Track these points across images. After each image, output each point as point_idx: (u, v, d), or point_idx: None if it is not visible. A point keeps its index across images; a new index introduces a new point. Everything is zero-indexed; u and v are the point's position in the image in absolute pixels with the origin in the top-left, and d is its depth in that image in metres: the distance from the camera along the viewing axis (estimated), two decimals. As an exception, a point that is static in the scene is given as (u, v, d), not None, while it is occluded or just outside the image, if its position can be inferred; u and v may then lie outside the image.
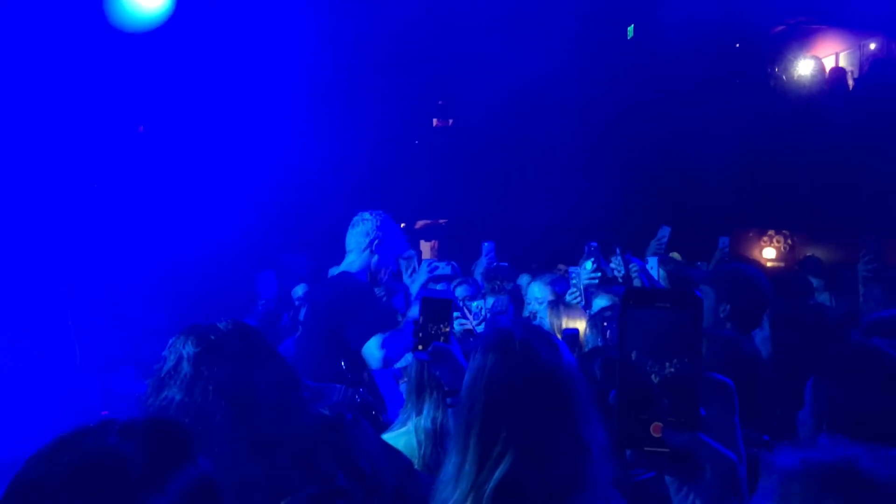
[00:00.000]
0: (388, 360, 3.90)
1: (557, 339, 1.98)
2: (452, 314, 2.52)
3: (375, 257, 4.29)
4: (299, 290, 6.79)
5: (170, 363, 1.95)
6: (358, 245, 4.31)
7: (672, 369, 1.01)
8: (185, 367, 1.91)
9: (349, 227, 4.40)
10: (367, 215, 4.36)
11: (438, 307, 2.51)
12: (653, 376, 1.01)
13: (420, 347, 2.49)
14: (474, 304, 4.43)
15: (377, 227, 4.30)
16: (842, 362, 1.73)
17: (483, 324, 4.12)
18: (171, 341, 2.01)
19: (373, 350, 3.89)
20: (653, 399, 1.01)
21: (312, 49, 8.32)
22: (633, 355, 1.02)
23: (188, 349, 1.94)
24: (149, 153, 6.78)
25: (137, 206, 6.53)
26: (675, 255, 6.14)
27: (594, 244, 4.94)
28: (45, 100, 5.86)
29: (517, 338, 1.90)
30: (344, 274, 4.29)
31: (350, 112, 9.47)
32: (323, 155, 8.97)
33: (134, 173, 6.50)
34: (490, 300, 4.79)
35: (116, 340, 5.78)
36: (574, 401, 1.83)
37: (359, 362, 3.94)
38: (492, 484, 1.77)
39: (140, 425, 1.31)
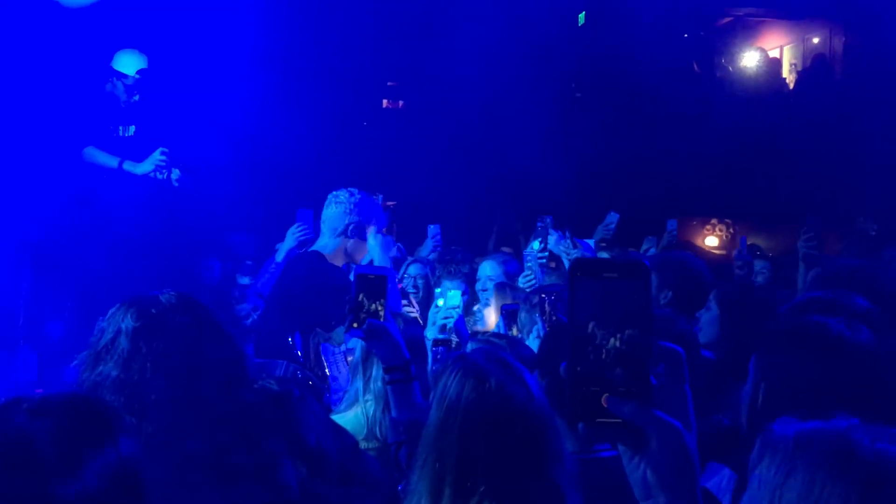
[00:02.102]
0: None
1: (526, 372, 1.93)
2: (388, 290, 2.46)
3: (350, 241, 4.10)
4: (245, 280, 6.69)
5: (107, 336, 1.86)
6: (332, 228, 4.12)
7: (622, 339, 0.99)
8: (123, 342, 1.83)
9: (325, 205, 4.19)
10: (341, 196, 4.15)
11: (374, 283, 2.45)
12: (603, 346, 0.99)
13: (355, 325, 2.43)
14: (437, 291, 4.38)
15: (351, 209, 4.10)
16: (779, 336, 1.75)
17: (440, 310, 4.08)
18: (110, 312, 1.91)
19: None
20: (603, 370, 0.99)
21: (258, 24, 8.16)
22: (583, 326, 1.00)
23: (127, 323, 1.85)
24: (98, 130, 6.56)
25: (96, 193, 6.33)
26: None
27: (548, 218, 4.95)
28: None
29: (492, 377, 1.85)
30: (315, 254, 4.10)
31: (297, 91, 9.32)
32: (269, 134, 8.81)
33: (58, 147, 6.28)
34: (446, 284, 4.73)
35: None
36: (547, 442, 1.81)
37: (308, 341, 3.87)
38: None
39: (53, 403, 1.20)
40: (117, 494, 1.18)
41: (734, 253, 6.33)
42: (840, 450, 1.07)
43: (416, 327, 3.18)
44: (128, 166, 6.10)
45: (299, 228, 4.86)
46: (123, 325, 1.85)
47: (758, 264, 6.34)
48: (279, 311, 4.06)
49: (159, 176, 6.06)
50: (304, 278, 3.99)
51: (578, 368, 1.00)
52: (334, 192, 4.21)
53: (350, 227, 4.09)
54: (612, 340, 0.99)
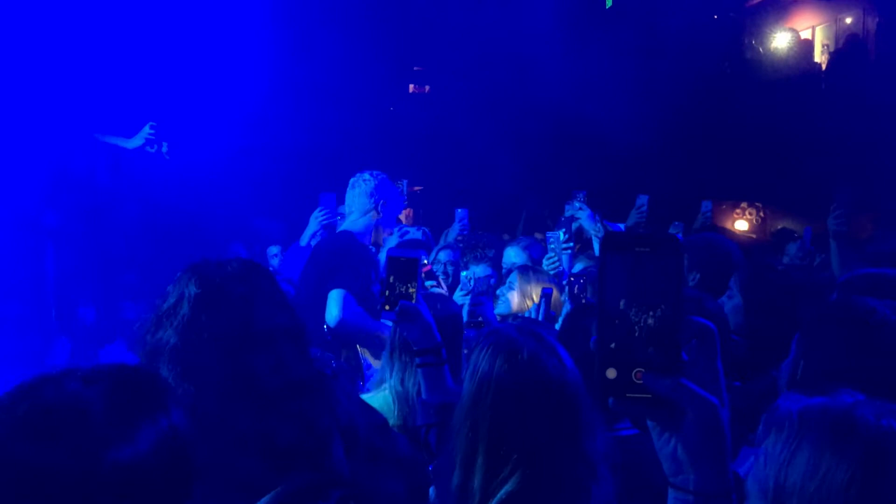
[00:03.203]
0: (344, 323, 3.80)
1: (558, 345, 1.93)
2: (420, 273, 2.47)
3: (379, 219, 4.28)
4: (274, 249, 6.72)
5: (170, 301, 1.81)
6: (361, 206, 4.28)
7: (653, 314, 0.99)
8: (185, 308, 1.77)
9: (348, 188, 4.35)
10: (367, 175, 4.33)
11: (406, 266, 2.46)
12: (634, 321, 0.99)
13: (387, 307, 2.44)
14: (463, 274, 4.40)
15: (378, 187, 4.28)
16: (824, 315, 1.74)
17: (469, 295, 4.09)
18: (178, 275, 1.87)
19: (331, 305, 3.81)
20: (634, 345, 0.99)
21: (286, 8, 8.17)
22: (614, 301, 1.00)
23: (190, 289, 1.79)
24: (113, 116, 6.60)
25: (106, 175, 6.38)
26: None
27: (582, 194, 4.95)
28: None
29: (524, 348, 1.86)
30: (346, 233, 4.24)
31: (324, 76, 9.33)
32: (297, 120, 8.84)
33: (95, 138, 6.33)
34: (473, 268, 4.74)
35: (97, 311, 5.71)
36: (579, 415, 1.81)
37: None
38: (496, 502, 1.76)
39: (106, 372, 1.23)
40: (168, 462, 1.20)
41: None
42: (845, 426, 1.07)
43: (454, 305, 3.16)
44: (116, 141, 6.13)
45: (322, 212, 4.91)
46: (186, 291, 1.80)
47: (791, 249, 6.22)
48: (313, 294, 4.08)
49: (150, 150, 6.08)
50: (338, 257, 4.02)
51: (611, 344, 1.00)
52: (358, 174, 4.36)
53: (380, 205, 4.25)
54: (643, 315, 0.99)
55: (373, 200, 4.25)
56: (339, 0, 9.40)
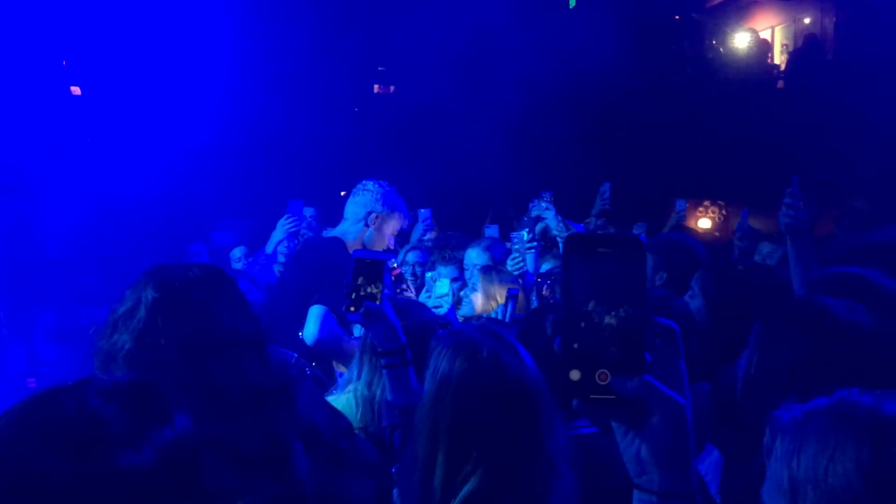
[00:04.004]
0: (321, 342, 3.61)
1: (518, 344, 1.93)
2: (385, 274, 2.46)
3: (369, 231, 4.11)
4: (238, 252, 6.63)
5: (127, 305, 1.79)
6: (354, 215, 4.15)
7: (617, 314, 0.98)
8: (141, 312, 1.75)
9: (351, 194, 4.22)
10: (369, 185, 4.18)
11: (371, 267, 2.45)
12: (597, 322, 0.98)
13: (352, 308, 2.43)
14: (428, 275, 4.37)
15: (376, 199, 4.12)
16: (780, 312, 1.75)
17: (430, 294, 4.06)
18: (137, 279, 1.84)
19: (310, 323, 3.63)
20: (598, 346, 0.98)
21: (247, 12, 8.09)
22: (578, 302, 0.99)
23: (148, 293, 1.77)
24: (81, 117, 6.50)
25: (66, 172, 6.27)
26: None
27: (548, 194, 4.97)
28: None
29: (484, 347, 1.86)
30: (335, 240, 4.10)
31: (288, 76, 9.26)
32: (261, 121, 8.76)
33: (59, 137, 6.23)
34: (440, 269, 4.71)
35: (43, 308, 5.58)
36: (540, 412, 1.81)
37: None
38: (457, 501, 1.75)
39: (122, 388, 1.27)
40: (170, 470, 1.23)
41: (735, 226, 6.22)
42: (847, 411, 1.08)
43: (429, 312, 3.14)
44: None
45: (289, 220, 4.84)
46: (144, 296, 1.78)
47: (764, 247, 6.26)
48: (293, 296, 3.95)
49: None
50: (321, 262, 3.92)
51: (574, 345, 0.99)
52: (363, 181, 4.23)
53: (370, 217, 4.10)
54: (607, 316, 0.98)
55: (365, 212, 4.11)
56: (302, 3, 9.34)
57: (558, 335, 0.99)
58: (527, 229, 4.82)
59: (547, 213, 5.15)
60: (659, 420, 0.99)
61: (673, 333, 1.03)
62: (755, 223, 8.85)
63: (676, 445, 1.00)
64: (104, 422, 1.20)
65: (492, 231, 5.34)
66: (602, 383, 0.98)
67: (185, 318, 1.76)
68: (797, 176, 3.42)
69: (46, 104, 6.28)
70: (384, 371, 2.44)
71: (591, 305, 0.98)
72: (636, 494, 1.02)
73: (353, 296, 2.44)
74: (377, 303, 2.42)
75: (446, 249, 5.05)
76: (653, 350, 1.00)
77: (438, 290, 3.93)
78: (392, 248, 4.53)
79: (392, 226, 4.20)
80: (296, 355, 3.12)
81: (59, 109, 6.53)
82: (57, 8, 6.25)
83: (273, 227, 5.14)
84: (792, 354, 1.58)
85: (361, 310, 2.41)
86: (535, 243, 4.78)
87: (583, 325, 0.98)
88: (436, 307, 3.85)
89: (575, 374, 0.98)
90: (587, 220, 5.76)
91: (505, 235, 4.97)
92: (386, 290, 2.47)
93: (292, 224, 4.82)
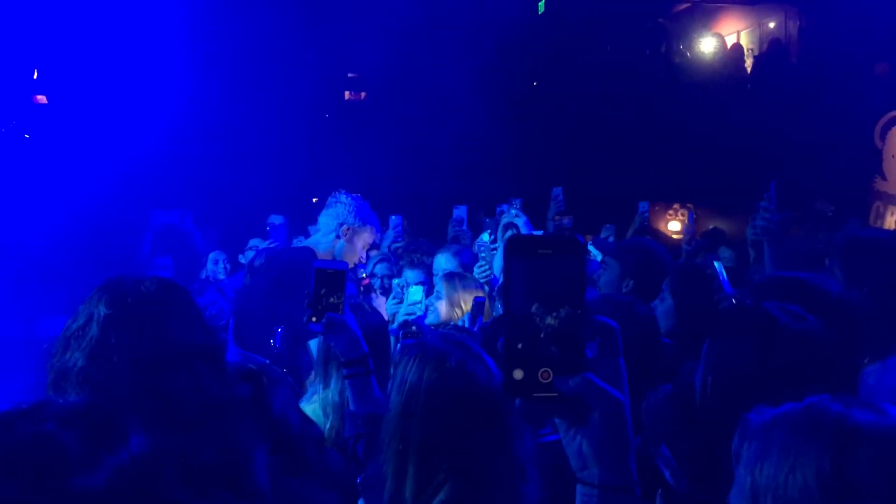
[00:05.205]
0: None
1: (483, 352, 1.95)
2: (346, 284, 2.47)
3: (341, 242, 4.16)
4: (214, 255, 6.59)
5: (79, 321, 1.76)
6: (326, 226, 4.20)
7: (557, 314, 1.00)
8: (93, 329, 1.73)
9: (325, 206, 4.27)
10: (342, 197, 4.23)
11: (332, 277, 2.46)
12: (539, 322, 1.01)
13: (314, 319, 2.43)
14: (395, 281, 4.37)
15: (349, 211, 4.17)
16: (723, 322, 1.77)
17: (399, 301, 4.06)
18: (90, 294, 1.82)
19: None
20: (539, 345, 1.01)
21: (215, 19, 8.05)
22: (520, 303, 1.01)
23: (100, 310, 1.75)
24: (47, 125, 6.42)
25: (30, 181, 6.19)
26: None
27: (517, 201, 5.00)
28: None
29: (451, 357, 1.87)
30: (307, 251, 4.14)
31: (259, 85, 9.23)
32: (232, 129, 8.72)
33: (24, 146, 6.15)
34: (407, 273, 4.71)
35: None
36: (508, 419, 1.82)
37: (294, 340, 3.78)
38: None
39: (79, 412, 1.26)
40: (123, 491, 1.22)
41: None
42: (814, 419, 1.08)
43: (377, 315, 3.15)
44: None
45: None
46: (96, 312, 1.75)
47: (724, 252, 6.33)
48: (263, 304, 3.97)
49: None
50: (293, 272, 3.93)
51: (517, 345, 1.01)
52: (335, 193, 4.29)
53: (342, 228, 4.15)
54: (547, 316, 1.01)
55: (337, 223, 4.16)
56: (271, 10, 9.31)
57: (501, 336, 1.02)
58: (488, 230, 4.82)
59: (517, 220, 5.17)
60: (599, 416, 1.02)
61: (612, 331, 1.05)
62: (723, 225, 8.96)
63: (615, 440, 1.03)
64: (60, 446, 1.18)
65: (460, 212, 5.39)
66: (545, 382, 1.00)
67: (138, 333, 1.74)
68: (775, 181, 3.46)
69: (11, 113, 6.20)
70: (346, 381, 2.44)
71: (532, 306, 1.01)
72: (579, 488, 1.06)
73: (315, 306, 2.44)
74: (339, 313, 2.43)
75: (415, 254, 5.06)
76: (592, 348, 1.03)
77: (411, 296, 3.94)
78: (364, 260, 4.55)
79: (364, 238, 4.25)
80: (268, 361, 3.13)
81: (24, 118, 6.45)
82: (21, 17, 6.18)
83: (244, 236, 5.12)
84: (743, 367, 1.60)
85: (323, 320, 2.42)
86: (496, 245, 4.78)
87: (524, 325, 1.01)
88: (408, 314, 3.87)
89: (518, 374, 1.01)
90: (554, 221, 5.80)
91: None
92: (347, 301, 2.47)
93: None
